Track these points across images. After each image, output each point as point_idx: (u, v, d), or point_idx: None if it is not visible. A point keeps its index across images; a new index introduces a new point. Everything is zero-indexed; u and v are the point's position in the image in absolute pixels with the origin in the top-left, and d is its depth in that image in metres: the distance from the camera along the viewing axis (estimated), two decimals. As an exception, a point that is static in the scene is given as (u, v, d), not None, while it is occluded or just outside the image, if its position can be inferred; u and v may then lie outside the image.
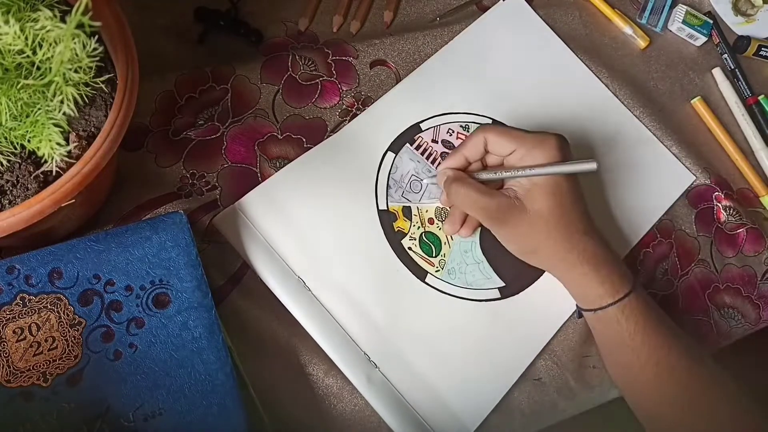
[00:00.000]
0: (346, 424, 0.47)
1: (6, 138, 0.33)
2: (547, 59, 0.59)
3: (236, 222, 0.47)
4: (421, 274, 0.50)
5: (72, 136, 0.34)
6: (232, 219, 0.47)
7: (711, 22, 0.65)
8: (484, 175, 0.48)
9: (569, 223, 0.45)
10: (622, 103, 0.60)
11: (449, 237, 0.51)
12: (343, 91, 0.54)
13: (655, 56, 0.64)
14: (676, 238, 0.58)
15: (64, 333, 0.39)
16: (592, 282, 0.45)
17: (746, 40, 0.65)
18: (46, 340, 0.38)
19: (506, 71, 0.58)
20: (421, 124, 0.54)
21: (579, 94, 0.59)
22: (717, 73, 0.65)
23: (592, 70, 0.60)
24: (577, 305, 0.49)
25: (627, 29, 0.63)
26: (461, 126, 0.55)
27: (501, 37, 0.59)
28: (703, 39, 0.64)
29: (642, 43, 0.63)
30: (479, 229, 0.52)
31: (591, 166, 0.43)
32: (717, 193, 0.60)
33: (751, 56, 0.66)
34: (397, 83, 0.55)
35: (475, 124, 0.55)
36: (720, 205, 0.60)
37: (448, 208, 0.51)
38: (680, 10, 0.64)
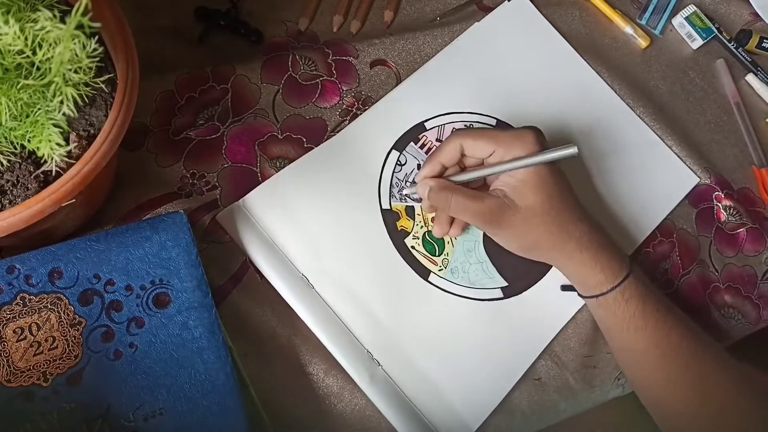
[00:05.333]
0: (346, 423, 0.47)
1: (6, 138, 0.33)
2: (552, 60, 0.59)
3: (240, 219, 0.47)
4: (424, 273, 0.50)
5: (72, 136, 0.34)
6: (236, 216, 0.47)
7: (715, 30, 0.65)
8: (463, 177, 0.47)
9: (562, 213, 0.46)
10: (625, 103, 0.60)
11: (452, 236, 0.51)
12: (343, 90, 0.54)
13: (655, 56, 0.64)
14: (678, 237, 0.58)
15: (64, 333, 0.39)
16: (593, 269, 0.46)
17: (748, 33, 0.66)
18: (46, 340, 0.38)
19: (511, 71, 0.58)
20: (425, 123, 0.54)
21: (583, 95, 0.59)
22: (751, 78, 0.65)
23: (593, 70, 0.60)
24: (577, 292, 0.50)
25: (628, 29, 0.63)
26: (466, 125, 0.55)
27: (506, 37, 0.59)
28: (699, 42, 0.65)
29: (643, 43, 0.63)
30: (473, 227, 0.52)
31: (571, 150, 0.43)
32: (717, 192, 0.60)
33: (754, 49, 0.66)
34: (397, 83, 0.55)
35: (480, 124, 0.55)
36: (720, 204, 0.60)
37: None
38: (690, 8, 0.65)
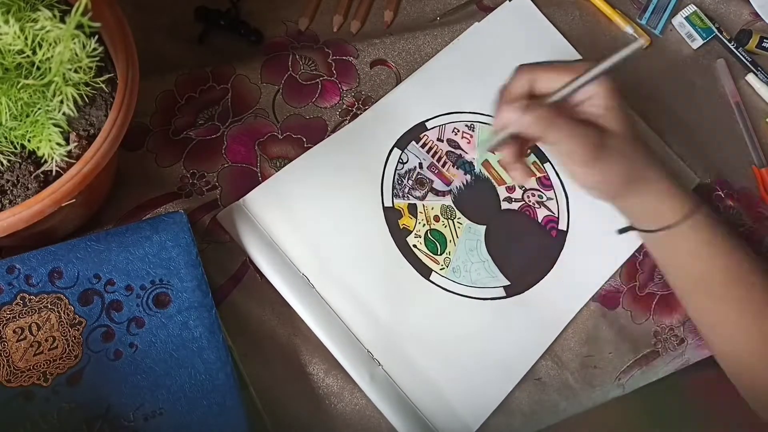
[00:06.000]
0: (346, 423, 0.47)
1: (6, 138, 0.33)
2: (553, 60, 0.59)
3: (240, 218, 0.47)
4: (425, 271, 0.50)
5: (72, 136, 0.34)
6: (236, 215, 0.47)
7: (715, 30, 0.65)
8: (556, 96, 0.42)
9: (640, 142, 0.45)
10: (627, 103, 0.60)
11: (455, 235, 0.51)
12: (343, 90, 0.54)
13: (655, 56, 0.64)
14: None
15: (64, 333, 0.39)
16: (671, 195, 0.46)
17: (748, 32, 0.66)
18: (46, 340, 0.38)
19: (512, 71, 0.57)
20: (426, 123, 0.54)
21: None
22: (752, 78, 0.65)
23: (592, 70, 0.60)
24: (641, 230, 0.49)
25: (628, 29, 0.63)
26: (467, 125, 0.55)
27: (507, 37, 0.58)
28: (699, 42, 0.65)
29: (643, 42, 0.63)
30: (485, 227, 0.52)
31: (640, 42, 0.41)
32: (717, 192, 0.60)
33: (754, 49, 0.66)
34: (397, 83, 0.55)
35: (481, 124, 0.55)
36: (720, 204, 0.60)
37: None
38: (690, 8, 0.65)
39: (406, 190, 0.51)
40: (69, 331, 0.39)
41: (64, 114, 0.32)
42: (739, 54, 0.66)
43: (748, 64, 0.66)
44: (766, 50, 0.66)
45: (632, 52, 0.41)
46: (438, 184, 0.52)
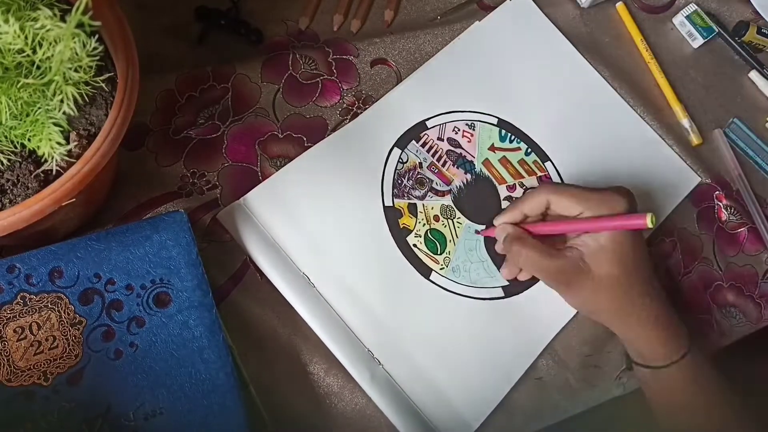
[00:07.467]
0: (346, 423, 0.47)
1: (6, 137, 0.33)
2: (554, 59, 0.59)
3: (241, 217, 0.47)
4: (425, 271, 0.50)
5: (72, 135, 0.34)
6: (237, 215, 0.47)
7: (716, 29, 0.65)
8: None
9: (633, 287, 0.45)
10: (627, 102, 0.60)
11: (454, 234, 0.51)
12: (343, 89, 0.54)
13: (656, 55, 0.64)
14: (679, 236, 0.58)
15: (64, 332, 0.39)
16: (651, 343, 0.46)
17: (745, 24, 0.66)
18: (46, 339, 0.38)
19: (513, 71, 0.58)
20: (427, 122, 0.54)
21: (585, 94, 0.59)
22: (754, 75, 0.65)
23: (594, 69, 0.60)
24: (630, 359, 0.50)
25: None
26: (467, 124, 0.55)
27: (508, 36, 0.58)
28: (700, 41, 0.64)
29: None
30: (484, 227, 0.52)
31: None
32: (718, 192, 0.60)
33: (755, 36, 0.66)
34: (398, 82, 0.55)
35: (481, 123, 0.55)
36: (721, 204, 0.60)
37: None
38: (691, 7, 0.65)
39: (406, 190, 0.51)
40: (69, 331, 0.39)
41: (64, 113, 0.32)
42: (741, 51, 0.66)
43: (751, 60, 0.66)
44: (765, 36, 0.66)
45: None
46: (438, 184, 0.52)
